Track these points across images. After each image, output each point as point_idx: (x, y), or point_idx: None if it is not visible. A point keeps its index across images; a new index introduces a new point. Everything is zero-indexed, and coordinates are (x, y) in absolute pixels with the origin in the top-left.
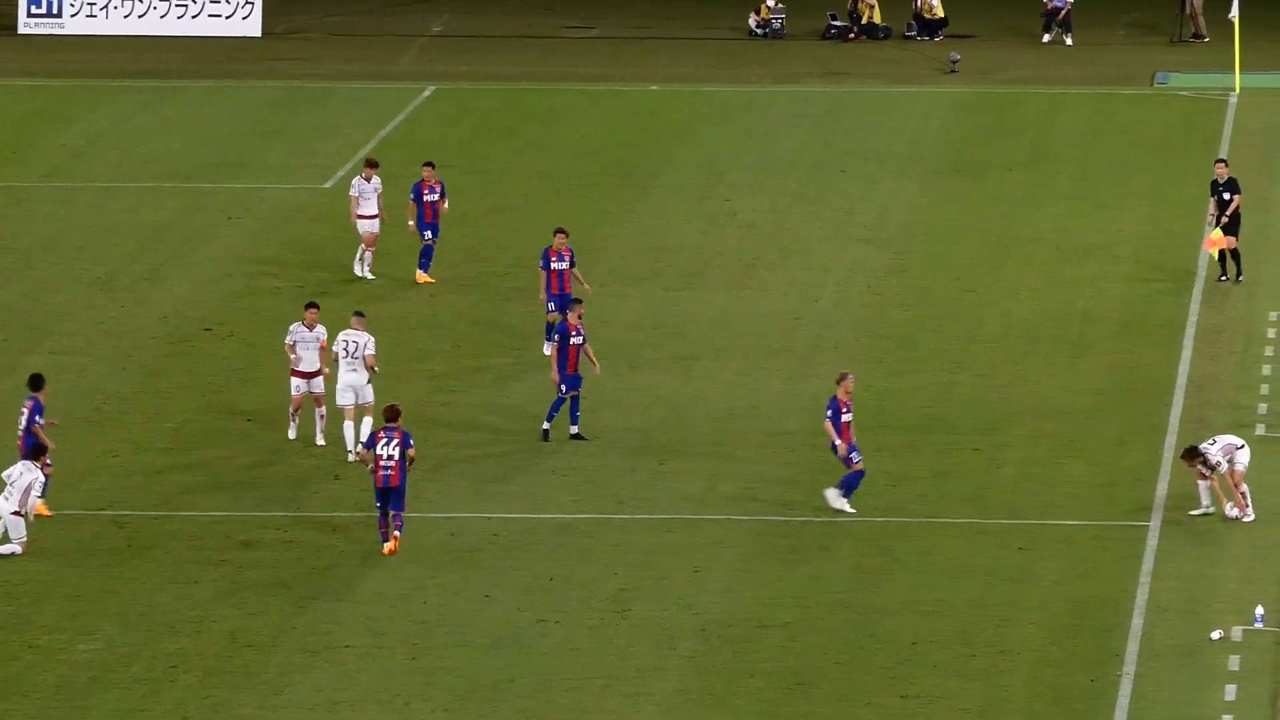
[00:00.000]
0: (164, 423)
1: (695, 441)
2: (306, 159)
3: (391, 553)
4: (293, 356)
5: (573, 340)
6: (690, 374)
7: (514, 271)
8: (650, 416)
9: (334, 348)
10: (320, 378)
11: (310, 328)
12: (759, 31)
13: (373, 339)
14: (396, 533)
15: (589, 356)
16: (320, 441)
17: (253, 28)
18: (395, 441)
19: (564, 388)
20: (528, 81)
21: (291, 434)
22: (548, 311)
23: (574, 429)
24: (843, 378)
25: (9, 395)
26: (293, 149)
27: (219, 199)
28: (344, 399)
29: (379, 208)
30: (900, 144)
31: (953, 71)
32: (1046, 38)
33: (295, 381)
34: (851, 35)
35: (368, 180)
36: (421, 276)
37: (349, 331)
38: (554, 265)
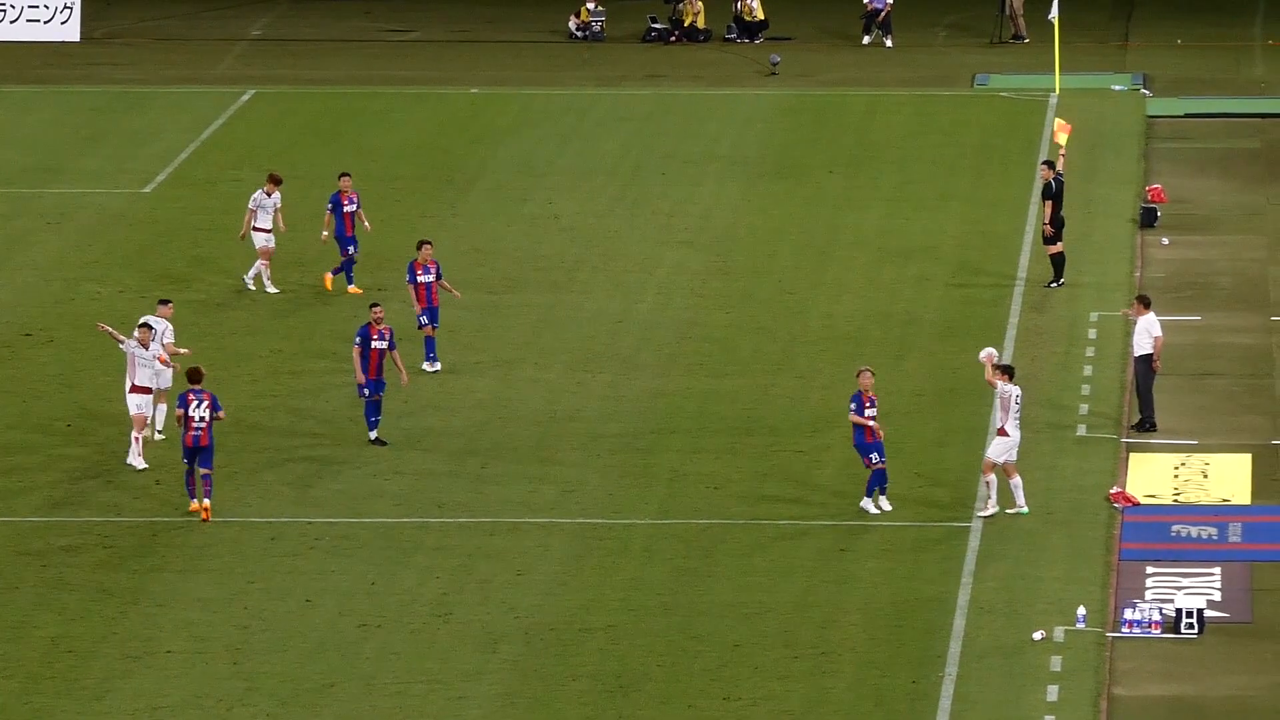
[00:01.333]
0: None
1: (517, 445)
2: (126, 164)
3: (206, 519)
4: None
5: (374, 344)
6: (512, 378)
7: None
8: (472, 420)
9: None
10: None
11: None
12: (579, 34)
13: (170, 326)
14: (207, 500)
15: (397, 364)
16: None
17: (71, 32)
18: (205, 403)
19: (366, 391)
20: (348, 85)
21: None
22: (419, 326)
23: (372, 434)
24: (860, 373)
25: None
26: (112, 154)
27: (39, 204)
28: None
29: (277, 222)
30: (722, 146)
31: (773, 74)
32: (866, 39)
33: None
34: (672, 38)
35: (269, 195)
36: (352, 289)
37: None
38: (420, 278)
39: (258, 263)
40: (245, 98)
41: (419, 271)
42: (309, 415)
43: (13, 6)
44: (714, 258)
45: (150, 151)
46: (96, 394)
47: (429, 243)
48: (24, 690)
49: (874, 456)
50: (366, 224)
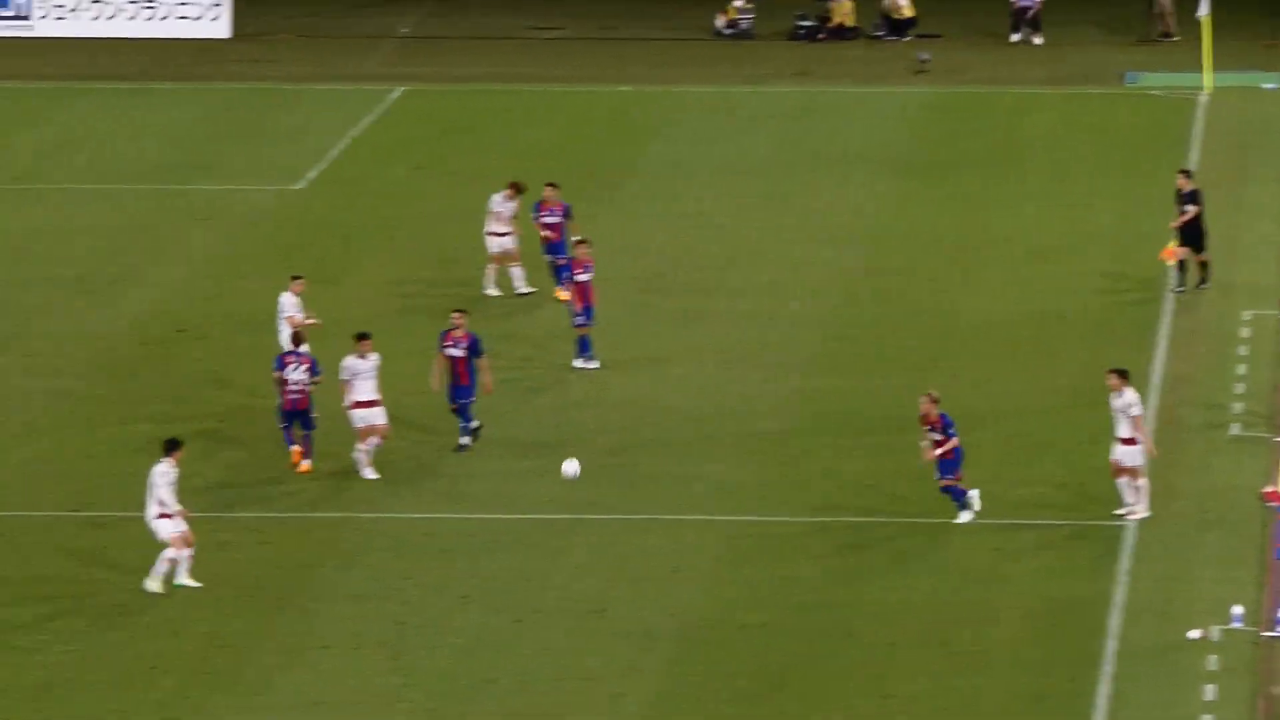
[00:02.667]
0: (137, 425)
1: (669, 442)
2: (276, 161)
3: (307, 471)
4: (348, 390)
5: (447, 350)
6: (663, 375)
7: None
8: (624, 417)
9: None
10: (379, 408)
11: (363, 357)
12: (726, 31)
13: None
14: (307, 462)
15: (481, 373)
16: (369, 474)
17: (222, 29)
18: (304, 366)
19: (453, 399)
20: (496, 82)
21: (367, 474)
22: (574, 325)
23: (463, 439)
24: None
25: None
26: (262, 151)
27: (189, 201)
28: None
29: (513, 227)
30: (870, 144)
31: (921, 71)
32: (1015, 37)
33: (355, 413)
34: (820, 35)
35: (509, 200)
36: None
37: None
38: (579, 277)
39: (489, 267)
40: (395, 95)
41: (578, 270)
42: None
43: (163, 3)
44: (863, 256)
45: (300, 148)
46: (248, 391)
47: (587, 241)
48: (182, 686)
49: (936, 475)
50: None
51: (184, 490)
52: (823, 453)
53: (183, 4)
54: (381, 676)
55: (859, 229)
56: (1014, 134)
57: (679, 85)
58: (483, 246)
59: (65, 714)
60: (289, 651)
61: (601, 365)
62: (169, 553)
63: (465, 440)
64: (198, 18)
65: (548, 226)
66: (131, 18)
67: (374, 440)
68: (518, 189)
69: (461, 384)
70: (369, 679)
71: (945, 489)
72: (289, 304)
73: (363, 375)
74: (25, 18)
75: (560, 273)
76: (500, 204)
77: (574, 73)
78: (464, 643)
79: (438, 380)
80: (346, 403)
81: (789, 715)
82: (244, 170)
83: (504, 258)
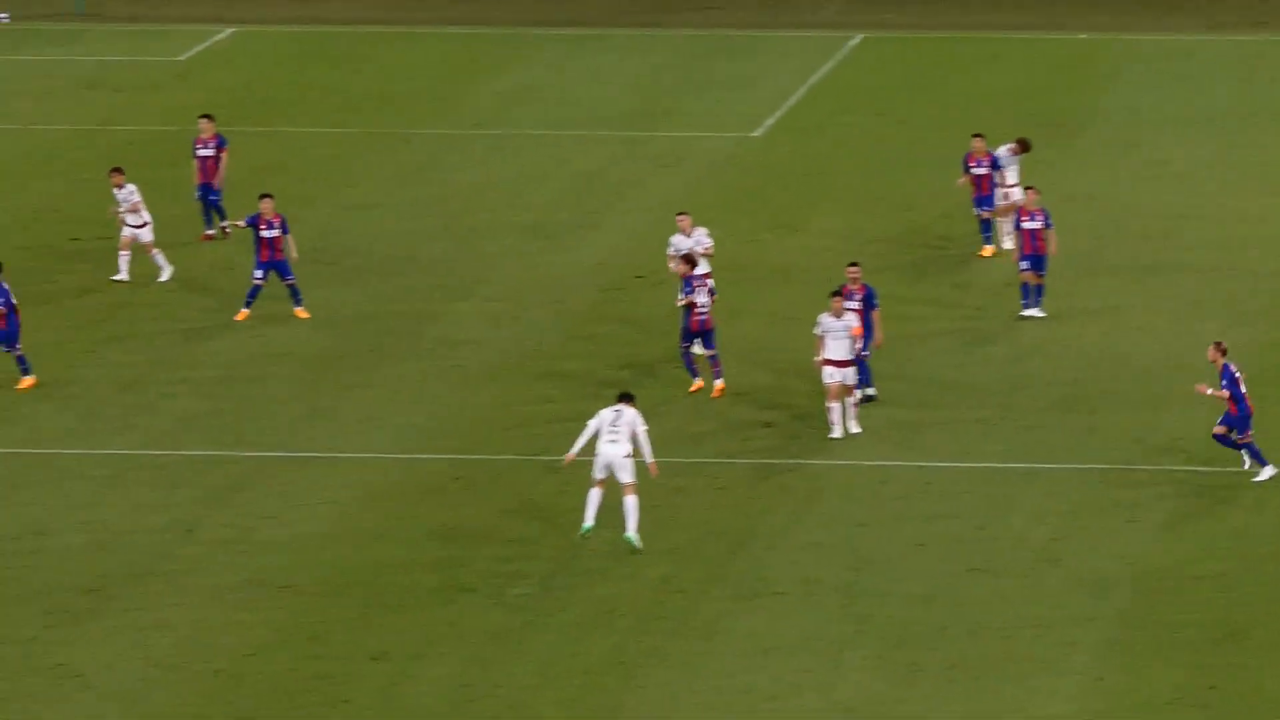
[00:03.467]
0: (597, 370)
1: (1124, 392)
2: (735, 108)
3: (716, 396)
4: (821, 347)
5: (847, 304)
6: (1119, 325)
7: (943, 221)
8: (1079, 366)
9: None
10: (852, 368)
11: (838, 316)
12: None
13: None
14: (719, 381)
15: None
16: (855, 429)
17: None
18: (706, 288)
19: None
20: (953, 30)
21: (835, 433)
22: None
23: (857, 392)
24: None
25: (441, 342)
26: (722, 98)
27: (650, 148)
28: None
29: (1016, 179)
30: None
31: None
32: None
33: (828, 370)
34: None
35: (1014, 154)
36: (987, 250)
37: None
38: (1025, 225)
39: (999, 221)
40: (853, 42)
41: (1024, 217)
42: (916, 362)
43: None
44: None
45: (759, 95)
46: None
47: (1034, 189)
48: (637, 629)
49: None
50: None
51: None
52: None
53: None
54: (833, 623)
55: None
56: None
57: (1135, 33)
58: (937, 193)
59: (523, 655)
60: (741, 597)
61: (1050, 315)
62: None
63: (869, 392)
64: None
65: (975, 179)
66: None
67: (850, 399)
68: (1024, 145)
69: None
70: (821, 625)
71: (1243, 444)
72: (680, 243)
73: (834, 333)
74: None
75: (985, 227)
76: (1007, 158)
77: (1032, 20)
78: (917, 590)
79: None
80: (818, 358)
81: (1245, 668)
82: (703, 117)
83: (1009, 209)
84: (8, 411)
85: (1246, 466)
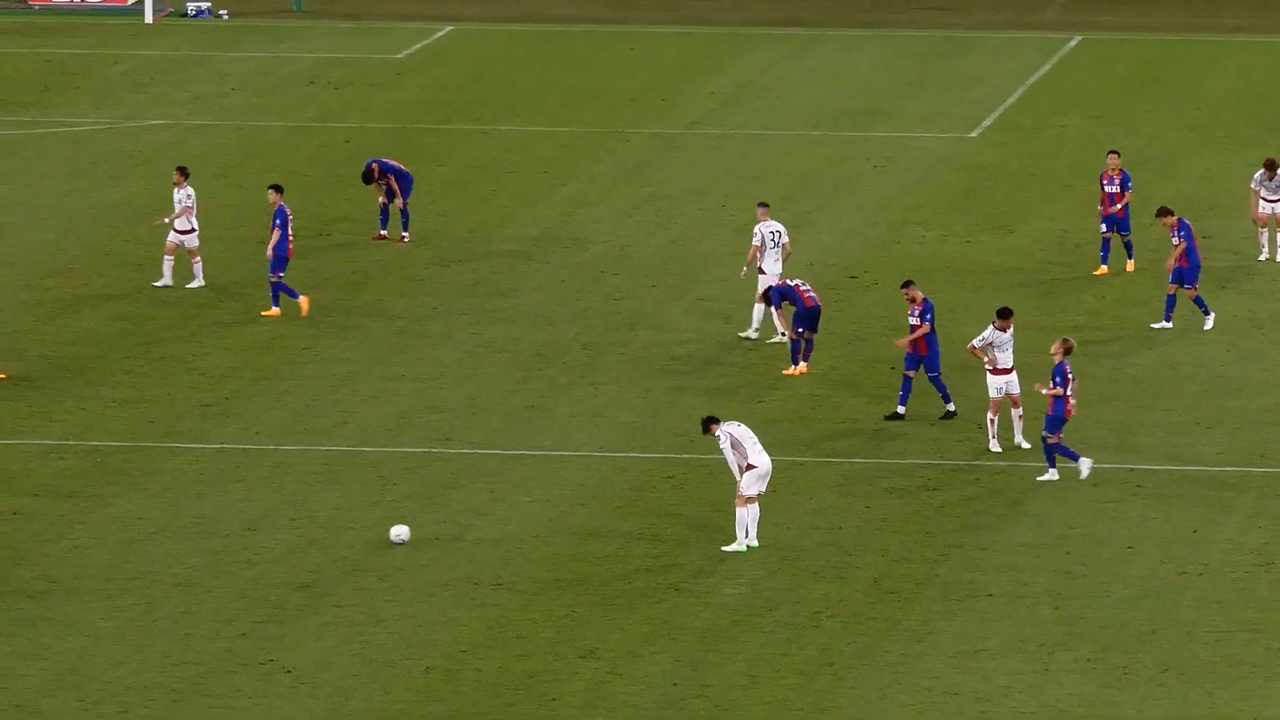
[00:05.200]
0: (811, 370)
1: None
2: (952, 108)
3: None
4: (987, 358)
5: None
6: None
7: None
8: None
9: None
10: (1015, 374)
11: (1004, 330)
12: None
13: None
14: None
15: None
16: (1022, 444)
17: None
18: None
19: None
20: (1173, 32)
21: (994, 445)
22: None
23: (899, 408)
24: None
25: (654, 341)
26: (938, 98)
27: (865, 147)
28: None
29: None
30: None
31: None
32: None
33: (993, 380)
34: None
35: (1268, 178)
36: (1102, 270)
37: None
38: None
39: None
40: (1072, 44)
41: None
42: (1129, 364)
43: None
44: None
45: (976, 96)
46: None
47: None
48: (847, 630)
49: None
50: (1127, 198)
51: (852, 435)
52: None
53: None
54: (1044, 625)
55: None
56: None
57: None
58: (1153, 196)
59: (733, 655)
60: (951, 599)
61: (1272, 319)
62: None
63: (951, 409)
64: None
65: (1106, 196)
66: None
67: (1016, 411)
68: (1271, 166)
69: (916, 352)
70: (1031, 628)
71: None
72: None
73: (1001, 346)
74: None
75: (1106, 246)
76: (1263, 183)
77: (1252, 22)
78: (1129, 593)
79: (905, 342)
80: (988, 366)
81: None
82: (920, 117)
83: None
84: (223, 406)
85: (1047, 477)
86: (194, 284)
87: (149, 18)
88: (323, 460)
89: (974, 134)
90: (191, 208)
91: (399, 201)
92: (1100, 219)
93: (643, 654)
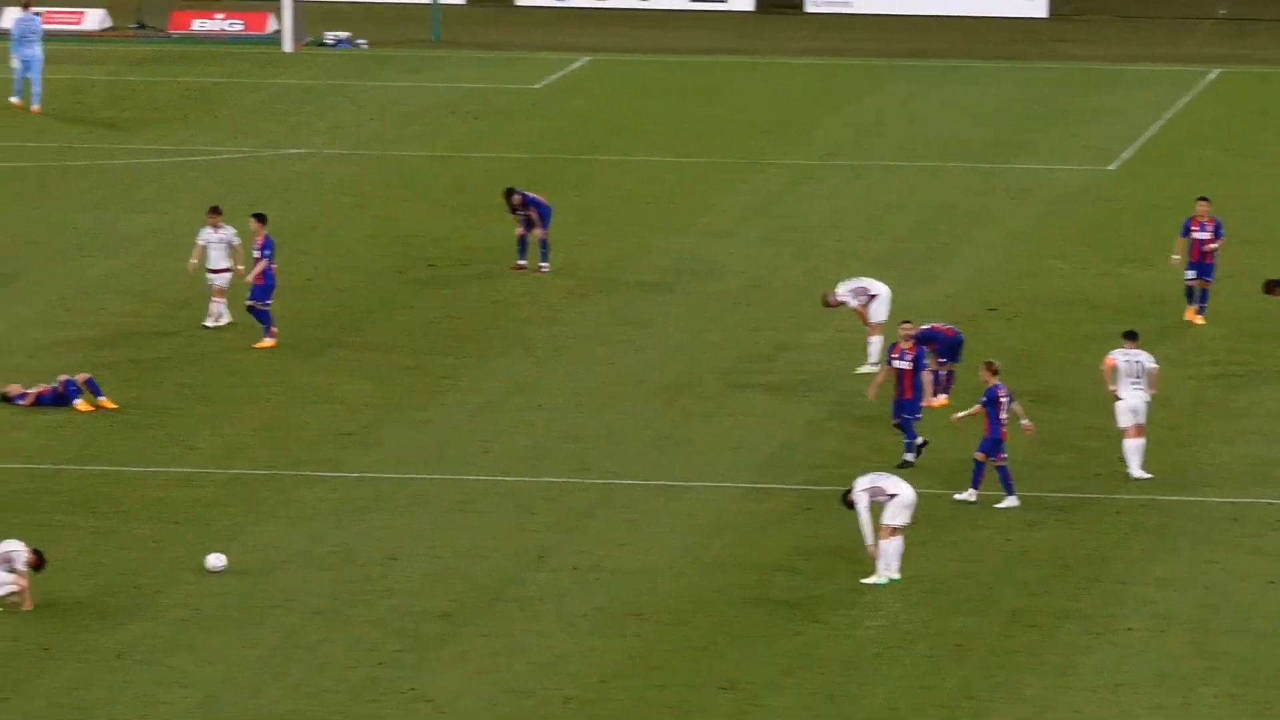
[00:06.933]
0: (951, 399)
1: None
2: (1089, 141)
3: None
4: (1112, 388)
5: (894, 363)
6: None
7: None
8: None
9: (1118, 366)
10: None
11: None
12: None
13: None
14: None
15: (925, 388)
16: (1138, 475)
17: (1039, 8)
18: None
19: (896, 413)
20: None
21: (1134, 473)
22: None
23: (906, 455)
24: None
25: (791, 371)
26: (1075, 131)
27: (1002, 179)
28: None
29: None
30: None
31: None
32: None
33: (1119, 406)
34: None
35: None
36: (1190, 314)
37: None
38: (1194, 234)
39: None
40: (1210, 76)
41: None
42: (1270, 397)
43: None
44: None
45: (1113, 129)
46: (1056, 371)
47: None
48: (987, 663)
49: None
50: (1216, 245)
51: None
52: None
53: None
54: (1186, 660)
55: None
56: None
57: None
58: None
59: (873, 688)
60: (1093, 632)
61: None
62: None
63: (908, 457)
64: None
65: (1196, 243)
66: None
67: (1138, 441)
68: None
69: (906, 398)
70: (1173, 662)
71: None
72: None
73: (1128, 372)
74: None
75: (1192, 294)
76: None
77: None
78: (1270, 628)
79: (875, 391)
80: (1112, 392)
81: None
82: (1057, 150)
83: None
84: (361, 435)
85: (967, 495)
86: (221, 322)
87: (287, 46)
88: (462, 490)
89: (1112, 167)
90: (239, 245)
91: (538, 232)
92: (1185, 266)
93: (782, 686)
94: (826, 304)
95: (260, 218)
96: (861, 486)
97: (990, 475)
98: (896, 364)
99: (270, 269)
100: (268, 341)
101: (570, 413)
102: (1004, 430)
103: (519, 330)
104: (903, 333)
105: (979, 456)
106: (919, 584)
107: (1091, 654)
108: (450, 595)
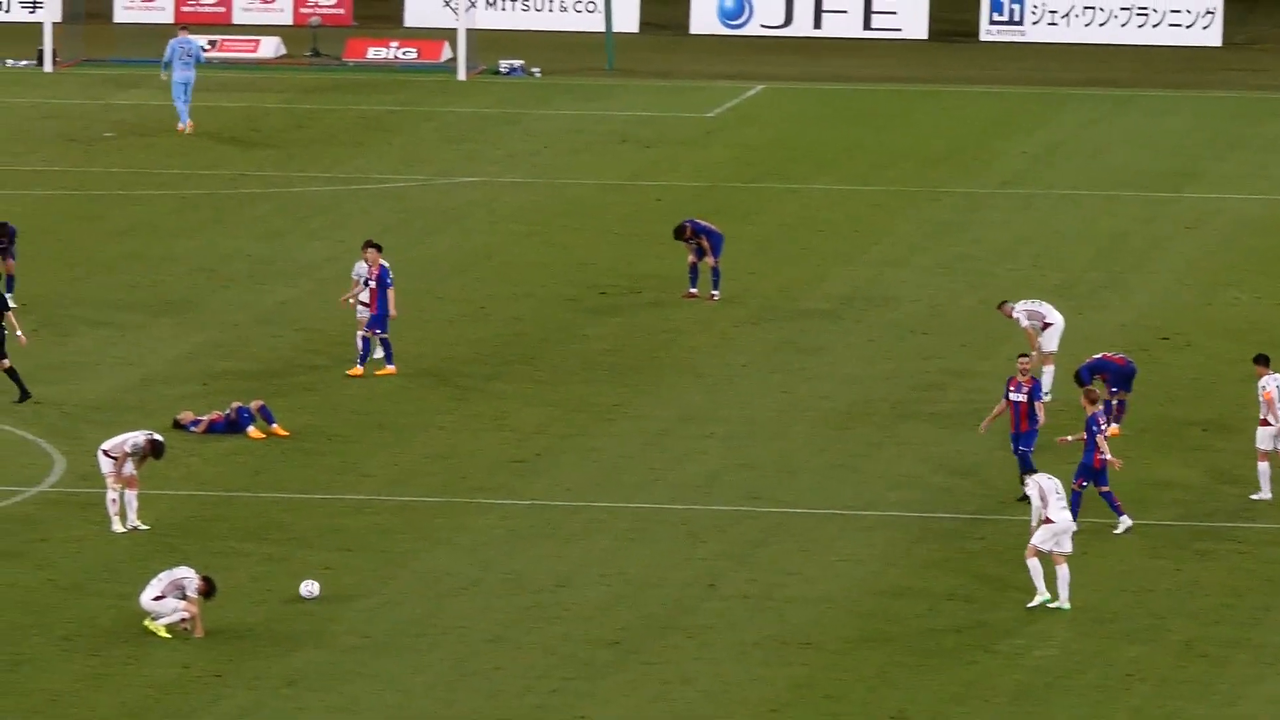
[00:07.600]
0: (1124, 429)
1: None
2: (1264, 170)
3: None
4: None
5: (1012, 396)
6: None
7: None
8: None
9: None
10: (1272, 429)
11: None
12: None
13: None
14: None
15: (1037, 413)
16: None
17: (1213, 37)
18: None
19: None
20: None
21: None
22: None
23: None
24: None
25: (964, 401)
26: (1250, 159)
27: (1176, 208)
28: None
29: None
30: None
31: None
32: None
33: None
34: None
35: None
36: None
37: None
38: None
39: None
40: None
41: None
42: None
43: (1155, 11)
44: None
45: None
46: (1229, 401)
47: None
48: (1158, 693)
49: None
50: None
51: (1166, 488)
52: None
53: (1175, 11)
54: None
55: None
56: None
57: None
58: None
59: (1044, 715)
60: (1264, 662)
61: None
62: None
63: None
64: (1189, 25)
65: None
66: (1124, 24)
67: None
68: None
69: (1021, 430)
70: None
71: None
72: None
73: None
74: (1018, 23)
75: None
76: None
77: None
78: None
79: (987, 424)
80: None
81: None
82: (1232, 179)
83: None
84: (533, 463)
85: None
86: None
87: (461, 75)
88: (633, 517)
89: None
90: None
91: (710, 260)
92: None
93: (953, 715)
94: (1001, 310)
95: (376, 246)
96: (1039, 480)
97: (1093, 500)
98: (1013, 396)
99: (385, 298)
100: (389, 369)
101: (742, 441)
102: (1098, 459)
103: (690, 358)
104: (1021, 366)
105: (1077, 485)
106: (1089, 614)
107: (1263, 684)
108: (620, 623)
